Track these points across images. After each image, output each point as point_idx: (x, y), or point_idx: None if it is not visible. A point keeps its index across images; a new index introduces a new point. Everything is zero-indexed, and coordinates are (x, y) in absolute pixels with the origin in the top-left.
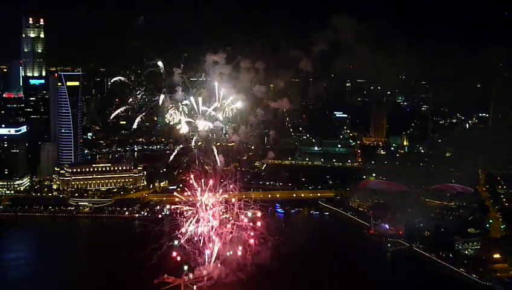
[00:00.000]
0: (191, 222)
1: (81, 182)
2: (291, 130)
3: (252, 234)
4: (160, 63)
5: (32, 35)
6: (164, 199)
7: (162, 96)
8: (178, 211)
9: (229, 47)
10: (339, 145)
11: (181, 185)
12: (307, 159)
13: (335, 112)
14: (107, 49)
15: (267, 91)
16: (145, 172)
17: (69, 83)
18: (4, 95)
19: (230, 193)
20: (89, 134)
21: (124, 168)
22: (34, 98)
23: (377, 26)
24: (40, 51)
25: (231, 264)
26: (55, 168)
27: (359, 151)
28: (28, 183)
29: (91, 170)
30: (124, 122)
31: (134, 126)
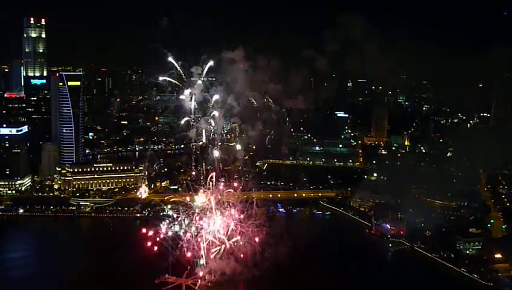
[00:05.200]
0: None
1: (83, 182)
2: (292, 129)
3: (264, 232)
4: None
5: (33, 35)
6: (165, 198)
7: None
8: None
9: (248, 48)
10: (340, 145)
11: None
12: (308, 159)
13: (336, 112)
14: (109, 49)
15: (279, 90)
16: (146, 172)
17: (70, 83)
18: (5, 95)
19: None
20: (90, 134)
21: (126, 168)
22: (35, 98)
23: (377, 25)
24: (41, 50)
25: (241, 261)
26: (57, 168)
27: (360, 151)
28: (29, 183)
29: (92, 169)
30: (126, 122)
31: None
